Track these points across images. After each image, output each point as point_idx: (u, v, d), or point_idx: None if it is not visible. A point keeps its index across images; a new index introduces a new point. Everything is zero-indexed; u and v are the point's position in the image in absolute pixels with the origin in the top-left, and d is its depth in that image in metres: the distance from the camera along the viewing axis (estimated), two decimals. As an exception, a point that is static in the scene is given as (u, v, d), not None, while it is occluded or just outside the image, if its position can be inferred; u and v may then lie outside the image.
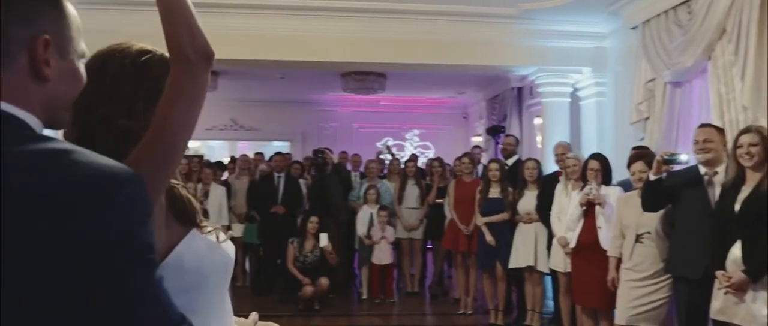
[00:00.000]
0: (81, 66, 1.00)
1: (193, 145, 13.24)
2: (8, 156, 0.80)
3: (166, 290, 0.92)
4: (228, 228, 7.24)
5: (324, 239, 6.27)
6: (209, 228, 1.30)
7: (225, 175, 8.12)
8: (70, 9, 1.00)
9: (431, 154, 11.32)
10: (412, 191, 7.22)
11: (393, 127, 11.69)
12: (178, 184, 1.30)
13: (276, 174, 7.40)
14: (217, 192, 7.21)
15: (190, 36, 1.12)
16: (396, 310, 6.63)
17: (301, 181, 7.74)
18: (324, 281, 6.29)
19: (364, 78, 8.91)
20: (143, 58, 1.24)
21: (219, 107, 11.41)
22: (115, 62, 1.22)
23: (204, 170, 7.33)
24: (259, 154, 8.56)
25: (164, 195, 1.23)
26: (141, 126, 1.17)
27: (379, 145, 11.06)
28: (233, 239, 6.30)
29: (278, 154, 7.76)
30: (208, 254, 1.27)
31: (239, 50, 6.28)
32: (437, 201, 7.04)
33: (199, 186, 7.09)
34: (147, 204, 0.89)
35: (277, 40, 6.39)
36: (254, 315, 1.47)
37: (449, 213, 6.49)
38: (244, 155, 8.36)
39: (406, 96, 10.95)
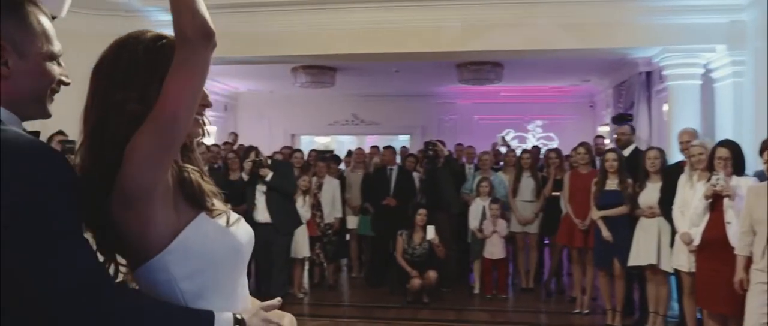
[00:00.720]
0: (49, 65, 1.17)
1: (324, 141, 13.78)
2: None
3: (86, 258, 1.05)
4: (342, 219, 7.44)
5: (431, 231, 6.21)
6: (219, 212, 1.30)
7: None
8: (35, 17, 1.16)
9: (555, 146, 10.84)
10: (528, 183, 6.93)
11: (514, 119, 11.34)
12: (189, 168, 1.30)
13: (389, 167, 7.46)
14: (331, 185, 7.39)
15: (191, 16, 1.13)
16: (508, 307, 6.41)
17: (415, 174, 7.74)
18: (432, 274, 6.22)
19: (479, 68, 8.71)
20: (157, 44, 1.26)
21: (339, 102, 11.75)
22: (128, 49, 1.24)
23: (318, 163, 7.55)
24: (375, 148, 8.66)
25: (172, 177, 1.24)
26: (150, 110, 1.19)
27: (507, 138, 10.77)
28: (349, 231, 6.53)
29: (387, 147, 7.80)
30: (216, 238, 1.26)
31: (353, 45, 6.37)
32: (554, 194, 6.70)
33: (314, 179, 7.31)
34: (54, 177, 0.90)
35: (389, 33, 6.39)
36: (274, 301, 1.43)
37: (564, 206, 6.15)
38: (359, 148, 8.51)
39: (526, 85, 10.56)
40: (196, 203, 1.27)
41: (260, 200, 5.89)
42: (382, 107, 11.65)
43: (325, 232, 7.18)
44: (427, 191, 7.23)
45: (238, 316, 1.23)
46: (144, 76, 1.22)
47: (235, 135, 9.75)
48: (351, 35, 6.39)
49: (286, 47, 6.57)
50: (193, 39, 1.13)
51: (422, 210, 6.46)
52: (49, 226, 1.04)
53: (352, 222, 7.75)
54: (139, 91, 1.21)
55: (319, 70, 9.26)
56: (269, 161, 6.05)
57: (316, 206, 7.11)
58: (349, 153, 8.80)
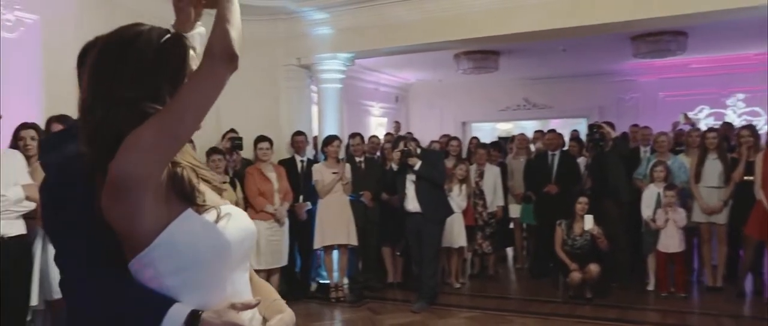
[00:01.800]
0: None
1: (506, 127, 13.47)
2: None
3: None
4: (504, 208, 7.19)
5: (589, 221, 5.71)
6: (208, 208, 1.28)
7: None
8: None
9: (763, 122, 9.35)
10: (714, 167, 6.06)
11: (709, 93, 9.99)
12: (183, 163, 1.30)
13: (550, 153, 7.03)
14: (492, 173, 7.17)
15: (221, 36, 1.20)
16: (686, 307, 5.66)
17: (581, 160, 7.20)
18: (593, 267, 5.72)
19: (658, 39, 7.81)
20: (163, 41, 1.27)
21: (509, 87, 11.35)
22: (136, 47, 1.25)
23: (478, 151, 7.36)
24: (539, 132, 8.21)
25: (165, 172, 1.25)
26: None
27: (690, 115, 9.57)
28: (512, 219, 6.28)
29: (551, 131, 7.33)
30: (201, 234, 1.25)
31: (518, 23, 6.01)
32: (746, 178, 5.77)
33: (474, 167, 7.15)
34: None
35: (552, 6, 5.92)
36: (250, 300, 1.37)
37: (757, 193, 5.26)
38: (522, 134, 8.15)
39: (721, 55, 9.23)
40: (186, 199, 1.26)
41: (410, 189, 5.89)
42: (554, 89, 11.03)
43: (488, 221, 7.00)
44: (594, 177, 6.69)
45: (197, 311, 1.20)
46: (155, 74, 1.24)
47: (398, 124, 9.92)
48: (511, 14, 6.03)
49: (446, 32, 6.38)
50: (218, 56, 1.19)
51: (582, 199, 5.97)
52: None
53: (515, 210, 7.46)
54: (152, 88, 1.23)
55: (482, 55, 9.01)
56: (419, 150, 6.02)
57: (478, 195, 6.96)
58: (511, 138, 8.46)
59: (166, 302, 1.21)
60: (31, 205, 3.55)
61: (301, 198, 6.40)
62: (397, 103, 12.10)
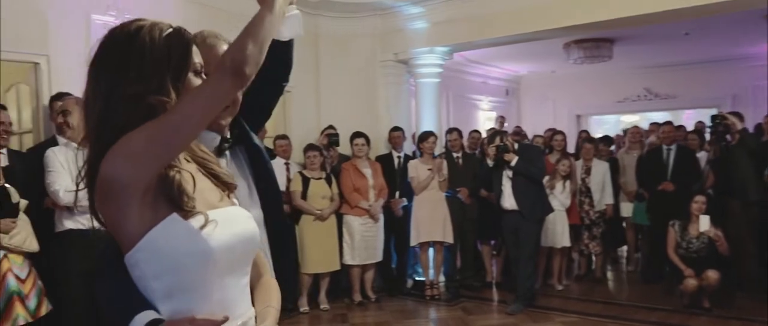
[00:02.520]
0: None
1: (632, 119, 12.63)
2: None
3: None
4: (615, 206, 6.73)
5: (705, 222, 5.17)
6: (195, 214, 1.25)
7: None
8: None
9: None
10: None
11: None
12: (179, 166, 1.29)
13: (665, 147, 6.46)
14: (600, 169, 6.73)
15: (237, 48, 1.20)
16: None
17: (702, 154, 6.56)
18: (711, 274, 5.18)
19: (799, 17, 6.91)
20: (165, 36, 1.27)
21: (628, 77, 10.63)
22: (139, 42, 1.24)
23: (584, 145, 6.94)
24: (654, 125, 7.57)
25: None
26: (171, 101, 1.22)
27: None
28: (624, 219, 5.85)
29: (667, 123, 6.72)
30: (184, 240, 1.22)
31: (630, 5, 5.51)
32: None
33: (580, 162, 6.75)
34: None
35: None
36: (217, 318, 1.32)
37: None
38: (635, 127, 7.57)
39: None
40: (173, 203, 1.25)
41: (506, 186, 5.67)
42: (678, 77, 10.14)
43: (595, 221, 6.59)
44: (717, 174, 6.06)
45: (158, 321, 1.19)
46: (158, 68, 1.23)
47: (502, 118, 9.60)
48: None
49: (549, 20, 5.96)
50: (228, 69, 1.17)
51: (699, 197, 5.43)
52: None
53: (627, 209, 6.96)
54: (156, 81, 1.22)
55: (593, 43, 8.48)
56: (516, 145, 5.78)
57: (584, 192, 6.57)
58: (625, 132, 7.88)
59: (138, 307, 1.20)
60: None
61: (397, 194, 6.38)
62: (508, 97, 11.74)
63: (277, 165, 5.93)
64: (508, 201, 5.66)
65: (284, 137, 6.10)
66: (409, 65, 6.94)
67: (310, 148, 5.92)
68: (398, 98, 7.06)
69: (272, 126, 6.56)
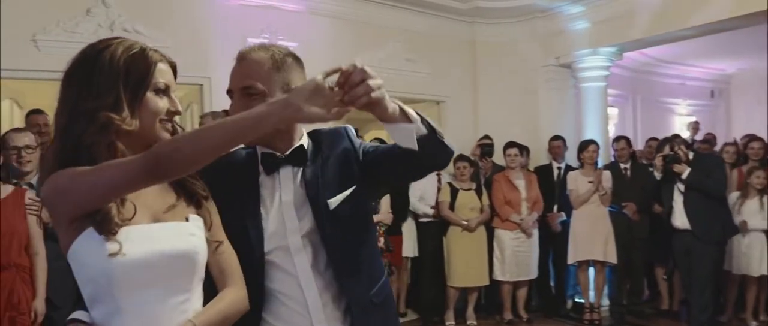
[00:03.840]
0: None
1: None
2: None
3: None
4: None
5: None
6: (114, 238, 1.24)
7: None
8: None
9: None
10: None
11: None
12: None
13: None
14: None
15: (168, 145, 1.19)
16: None
17: None
18: None
19: None
20: (128, 56, 1.32)
21: None
22: (101, 61, 1.31)
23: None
24: None
25: None
26: (123, 118, 1.28)
27: None
28: None
29: None
30: (94, 255, 1.24)
31: None
32: None
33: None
34: None
35: None
36: None
37: None
38: None
39: None
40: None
41: (678, 201, 4.95)
42: None
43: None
44: None
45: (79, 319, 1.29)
46: (115, 85, 1.29)
47: (696, 124, 8.41)
48: None
49: (750, 3, 5.08)
50: (147, 161, 1.16)
51: None
52: None
53: None
54: (112, 98, 1.29)
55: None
56: (690, 154, 5.01)
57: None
58: None
59: (83, 304, 1.31)
60: None
61: (555, 208, 5.95)
62: (714, 99, 10.33)
63: (428, 176, 5.89)
64: (680, 219, 4.93)
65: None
66: (573, 69, 6.45)
67: (459, 158, 5.78)
68: (561, 105, 6.60)
69: (426, 137, 6.57)
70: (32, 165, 3.38)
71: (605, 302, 5.84)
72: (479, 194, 5.69)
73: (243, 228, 1.52)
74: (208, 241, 1.39)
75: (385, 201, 4.81)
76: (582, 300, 5.91)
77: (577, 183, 5.71)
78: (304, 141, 1.62)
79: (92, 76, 1.29)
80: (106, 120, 1.26)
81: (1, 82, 4.58)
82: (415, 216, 5.81)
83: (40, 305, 3.16)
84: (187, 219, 1.37)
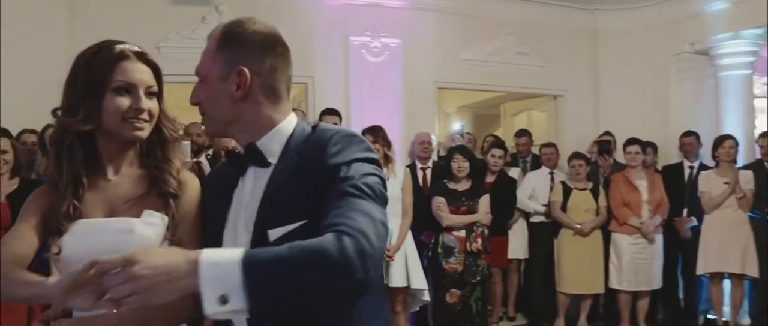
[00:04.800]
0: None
1: None
2: None
3: None
4: None
5: None
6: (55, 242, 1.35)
7: None
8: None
9: None
10: None
11: None
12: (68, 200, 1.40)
13: None
14: None
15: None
16: None
17: None
18: None
19: None
20: (93, 57, 1.38)
21: None
22: (76, 64, 1.40)
23: None
24: None
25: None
26: (76, 121, 1.36)
27: None
28: None
29: None
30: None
31: None
32: None
33: None
34: None
35: None
36: None
37: None
38: None
39: None
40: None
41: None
42: None
43: None
44: None
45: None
46: (77, 87, 1.37)
47: None
48: None
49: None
50: None
51: None
52: None
53: None
54: (72, 100, 1.37)
55: None
56: None
57: None
58: None
59: None
60: None
61: (685, 211, 5.35)
62: None
63: (541, 174, 5.61)
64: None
65: (551, 145, 5.74)
66: (710, 56, 5.75)
67: (574, 156, 5.41)
68: (695, 97, 5.92)
69: (540, 133, 6.24)
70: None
71: (745, 321, 5.14)
72: (595, 195, 5.28)
73: (213, 235, 1.35)
74: (170, 241, 1.36)
75: (484, 201, 4.63)
76: (714, 317, 5.25)
77: (710, 184, 5.07)
78: (278, 137, 1.30)
79: (67, 82, 1.38)
80: (61, 122, 1.35)
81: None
82: (527, 215, 5.54)
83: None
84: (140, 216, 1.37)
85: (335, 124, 4.76)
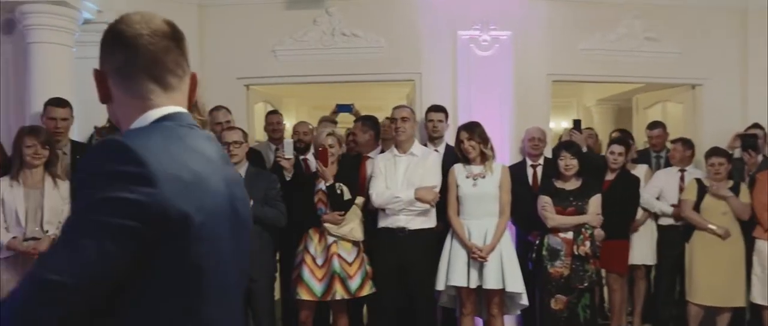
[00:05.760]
0: None
1: None
2: None
3: None
4: None
5: None
6: None
7: None
8: None
9: None
10: None
11: None
12: None
13: None
14: None
15: None
16: None
17: None
18: None
19: None
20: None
21: None
22: None
23: None
24: None
25: None
26: None
27: None
28: None
29: None
30: None
31: None
32: None
33: None
34: None
35: None
36: None
37: None
38: None
39: None
40: None
41: None
42: None
43: None
44: None
45: None
46: None
47: None
48: None
49: None
50: None
51: None
52: None
53: None
54: None
55: None
56: None
57: None
58: None
59: None
60: (425, 206, 4.07)
61: None
62: None
63: (670, 173, 5.09)
64: None
65: (681, 140, 5.17)
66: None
67: (713, 152, 4.83)
68: None
69: (676, 126, 5.66)
70: (238, 158, 3.97)
71: None
72: (736, 192, 4.68)
73: None
74: None
75: (595, 201, 4.29)
76: None
77: None
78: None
79: None
80: None
81: (250, 88, 5.46)
82: (656, 217, 5.06)
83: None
84: None
85: (441, 121, 4.71)
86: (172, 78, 1.19)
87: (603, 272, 4.89)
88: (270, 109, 5.60)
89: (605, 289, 5.21)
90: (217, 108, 4.62)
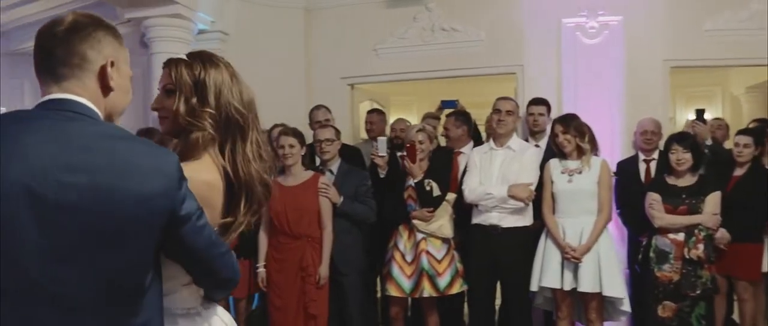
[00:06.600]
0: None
1: None
2: None
3: None
4: None
5: None
6: None
7: None
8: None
9: None
10: None
11: None
12: None
13: None
14: None
15: None
16: None
17: None
18: None
19: None
20: None
21: None
22: None
23: None
24: None
25: None
26: None
27: None
28: None
29: None
30: None
31: None
32: None
33: None
34: None
35: None
36: None
37: None
38: None
39: None
40: None
41: None
42: None
43: None
44: None
45: None
46: None
47: None
48: None
49: None
50: None
51: None
52: None
53: None
54: None
55: None
56: None
57: None
58: None
59: None
60: (519, 204, 3.90)
61: None
62: None
63: None
64: None
65: None
66: None
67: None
68: None
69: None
70: (330, 155, 4.09)
71: None
72: None
73: None
74: None
75: (712, 200, 3.85)
76: None
77: None
78: None
79: None
80: None
81: (355, 87, 5.60)
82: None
83: (324, 270, 3.82)
84: None
85: (542, 114, 4.52)
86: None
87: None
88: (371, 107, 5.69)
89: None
90: (317, 107, 4.79)
